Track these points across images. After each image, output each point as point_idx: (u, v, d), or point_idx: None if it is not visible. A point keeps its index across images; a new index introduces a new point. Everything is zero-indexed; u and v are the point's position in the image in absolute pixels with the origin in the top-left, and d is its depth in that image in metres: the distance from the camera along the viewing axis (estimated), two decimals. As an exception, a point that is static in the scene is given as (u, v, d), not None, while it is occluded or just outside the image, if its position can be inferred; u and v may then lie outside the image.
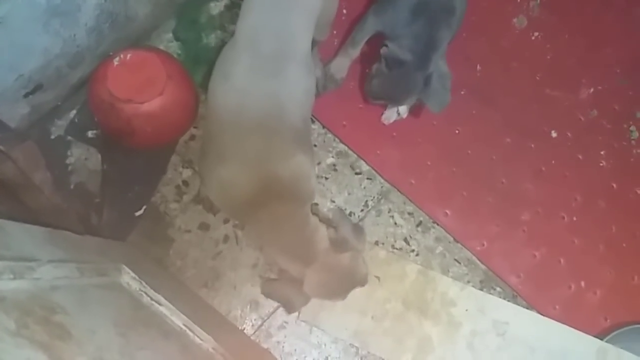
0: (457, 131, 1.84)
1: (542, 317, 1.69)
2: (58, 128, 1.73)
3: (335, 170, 1.79)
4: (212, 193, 1.37)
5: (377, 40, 1.66)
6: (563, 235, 1.78)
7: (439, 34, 1.57)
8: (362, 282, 1.39)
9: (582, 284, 1.74)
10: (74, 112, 1.73)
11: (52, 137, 1.72)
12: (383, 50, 1.60)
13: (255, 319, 1.68)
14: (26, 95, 1.56)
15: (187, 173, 1.74)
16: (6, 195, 1.43)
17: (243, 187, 1.24)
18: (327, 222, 1.39)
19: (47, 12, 1.39)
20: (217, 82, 1.33)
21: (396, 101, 1.71)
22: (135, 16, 1.69)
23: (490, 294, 1.72)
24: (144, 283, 1.18)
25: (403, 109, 1.78)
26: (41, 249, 0.91)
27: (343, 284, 1.36)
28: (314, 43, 1.50)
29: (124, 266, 1.18)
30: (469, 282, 1.74)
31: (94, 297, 0.96)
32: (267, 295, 1.47)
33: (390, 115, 1.79)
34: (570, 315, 1.70)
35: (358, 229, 1.42)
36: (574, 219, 1.80)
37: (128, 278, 1.17)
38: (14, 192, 1.52)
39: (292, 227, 1.28)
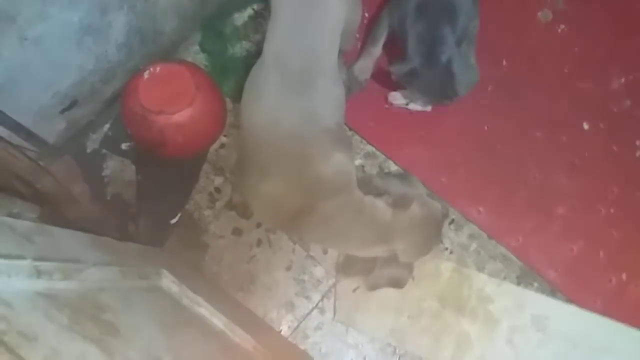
0: (485, 127, 1.82)
1: (583, 311, 1.65)
2: (93, 142, 1.79)
3: (364, 171, 1.80)
4: (260, 211, 1.40)
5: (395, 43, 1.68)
6: (601, 228, 1.74)
7: (441, 32, 1.56)
8: (445, 213, 1.43)
9: (624, 276, 1.70)
10: (108, 125, 1.79)
11: (88, 150, 1.78)
12: (392, 77, 1.63)
13: (291, 321, 1.69)
14: (62, 111, 1.62)
15: (218, 180, 1.77)
16: (47, 208, 1.48)
17: (290, 198, 1.27)
18: (377, 191, 1.39)
19: (80, 31, 1.45)
20: (249, 102, 1.36)
21: (441, 100, 1.69)
22: (163, 31, 1.74)
23: (528, 289, 1.69)
24: (183, 286, 1.21)
25: (415, 106, 1.77)
26: (86, 253, 0.95)
27: (430, 230, 1.39)
28: (340, 52, 1.52)
29: (164, 270, 1.21)
30: (505, 278, 1.71)
31: (137, 298, 0.99)
32: (373, 287, 1.46)
33: (399, 101, 1.77)
34: (613, 308, 1.66)
35: (406, 179, 1.43)
36: (611, 211, 1.75)
37: (168, 281, 1.20)
38: (54, 205, 1.58)
39: (351, 217, 1.30)
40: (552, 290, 1.70)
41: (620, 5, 1.94)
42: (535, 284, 1.71)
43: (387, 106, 1.82)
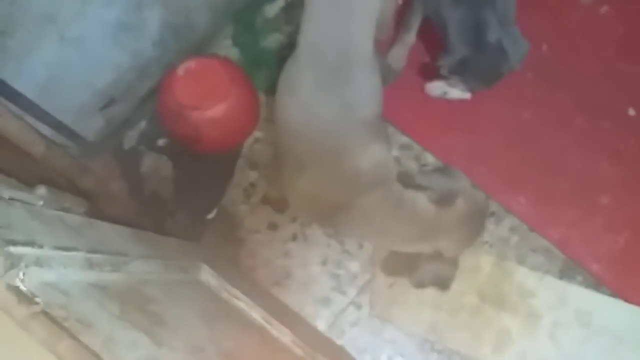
0: (525, 115, 1.77)
1: (629, 305, 1.59)
2: (130, 139, 1.81)
3: (400, 164, 1.77)
4: (298, 206, 1.40)
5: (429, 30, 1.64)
6: (648, 218, 1.67)
7: (483, 16, 1.53)
8: (487, 207, 1.44)
9: (673, 269, 1.63)
10: (144, 122, 1.82)
11: (126, 147, 1.81)
12: (441, 71, 1.61)
13: (327, 316, 1.68)
14: (101, 109, 1.65)
15: (253, 175, 1.78)
16: (87, 204, 1.52)
17: (328, 192, 1.26)
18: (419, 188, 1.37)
19: (116, 28, 1.47)
20: (285, 97, 1.36)
21: (491, 82, 1.66)
22: (196, 26, 1.75)
23: (571, 283, 1.64)
24: (222, 279, 1.22)
25: (453, 94, 1.72)
26: (130, 246, 0.96)
27: (475, 223, 1.38)
28: (375, 42, 1.50)
29: (203, 264, 1.22)
30: (547, 271, 1.66)
31: (179, 291, 1.00)
32: (419, 285, 1.44)
33: (436, 91, 1.73)
34: (662, 302, 1.59)
35: (447, 172, 1.41)
36: (659, 200, 1.68)
37: (207, 275, 1.21)
38: (93, 202, 1.61)
39: (390, 212, 1.28)
40: (597, 284, 1.64)
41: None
42: (579, 278, 1.66)
43: (422, 95, 1.79)
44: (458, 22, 1.54)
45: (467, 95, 1.72)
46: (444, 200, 1.30)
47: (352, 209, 1.24)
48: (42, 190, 0.89)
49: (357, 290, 1.70)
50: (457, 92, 1.72)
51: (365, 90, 1.31)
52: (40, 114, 1.42)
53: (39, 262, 0.59)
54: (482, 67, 1.59)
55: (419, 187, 1.33)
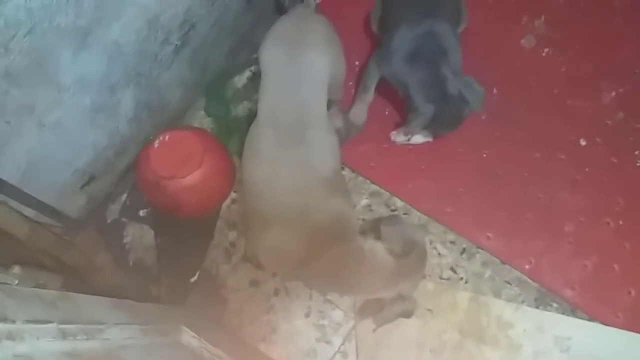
0: (484, 155, 1.88)
1: (605, 327, 1.64)
2: (113, 212, 1.89)
3: (371, 210, 1.85)
4: (266, 261, 1.46)
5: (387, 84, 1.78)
6: (612, 241, 1.74)
7: (441, 72, 1.65)
8: (425, 241, 1.51)
9: (643, 287, 1.68)
10: (125, 195, 1.90)
11: (109, 220, 1.89)
12: (413, 128, 1.75)
13: (315, 367, 1.71)
14: (82, 187, 1.74)
15: (233, 235, 1.85)
16: (72, 277, 1.57)
17: (293, 246, 1.32)
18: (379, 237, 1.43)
19: (92, 111, 1.57)
20: (248, 158, 1.47)
21: (458, 124, 1.76)
22: (169, 101, 1.87)
23: (547, 310, 1.69)
24: (203, 340, 1.26)
25: (417, 139, 1.83)
26: (108, 314, 1.02)
27: (423, 266, 1.45)
28: (331, 102, 1.62)
29: (183, 326, 1.27)
30: (523, 301, 1.71)
31: (159, 354, 1.04)
32: (382, 324, 1.47)
33: (400, 138, 1.82)
34: (636, 321, 1.64)
35: (405, 228, 1.45)
36: (620, 222, 1.76)
37: (188, 337, 1.26)
38: (79, 275, 1.67)
39: (353, 265, 1.33)
40: (572, 309, 1.69)
41: (599, 22, 2.02)
42: (555, 305, 1.71)
43: (385, 145, 1.90)
44: (418, 83, 1.66)
45: (429, 138, 1.83)
46: (404, 252, 1.36)
47: (316, 263, 1.30)
48: (16, 269, 0.95)
49: (342, 338, 1.73)
50: (420, 138, 1.82)
51: (322, 149, 1.41)
52: (23, 197, 1.50)
53: (11, 336, 0.64)
54: (448, 117, 1.70)
55: (377, 237, 1.39)
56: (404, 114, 1.91)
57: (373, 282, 1.33)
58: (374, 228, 1.41)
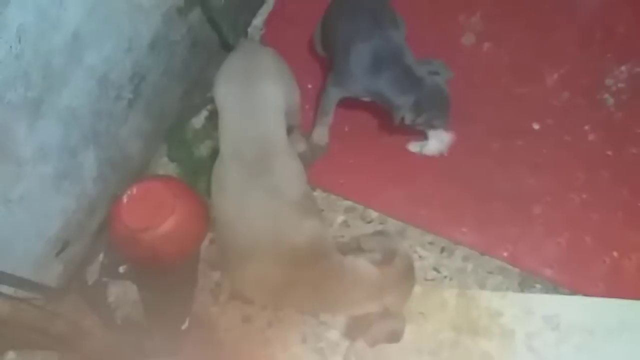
0: (445, 154, 1.93)
1: (589, 298, 1.70)
2: (92, 274, 1.88)
3: (348, 226, 1.88)
4: (251, 294, 1.47)
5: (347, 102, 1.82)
6: (579, 215, 1.81)
7: (404, 64, 1.72)
8: (411, 257, 1.50)
9: (615, 254, 1.75)
10: (102, 255, 1.89)
11: (90, 283, 1.87)
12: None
13: (320, 391, 1.72)
14: (57, 255, 1.72)
15: (216, 275, 1.85)
16: (66, 350, 1.55)
17: (274, 274, 1.34)
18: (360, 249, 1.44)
19: (56, 178, 1.57)
20: (217, 195, 1.49)
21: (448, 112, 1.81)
22: (131, 154, 1.88)
23: (532, 292, 1.75)
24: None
25: (429, 150, 1.89)
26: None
27: (411, 276, 1.45)
28: (290, 127, 1.66)
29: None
30: (507, 288, 1.76)
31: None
32: (373, 344, 1.45)
33: (415, 148, 1.89)
34: (615, 287, 1.70)
35: (385, 237, 1.48)
36: (584, 196, 1.84)
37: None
38: (70, 343, 1.64)
39: (335, 281, 1.35)
40: (554, 287, 1.75)
41: (531, 11, 2.12)
42: (538, 286, 1.76)
43: (351, 161, 1.94)
44: (389, 83, 1.71)
45: (446, 140, 1.87)
46: (385, 260, 1.39)
47: (299, 285, 1.32)
48: (11, 355, 0.94)
49: (342, 357, 1.75)
50: (434, 145, 1.87)
51: (287, 175, 1.44)
52: (-1, 277, 1.48)
53: None
54: (433, 97, 1.74)
55: (358, 252, 1.42)
56: (364, 128, 1.97)
57: (358, 295, 1.35)
58: (354, 247, 1.44)
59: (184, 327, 1.78)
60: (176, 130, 2.04)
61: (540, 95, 2.00)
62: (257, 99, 1.50)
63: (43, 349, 1.18)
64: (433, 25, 2.10)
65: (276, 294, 1.36)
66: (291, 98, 1.61)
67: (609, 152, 1.89)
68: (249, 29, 2.21)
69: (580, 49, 2.04)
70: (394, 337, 1.41)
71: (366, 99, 1.82)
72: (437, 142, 1.88)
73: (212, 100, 1.76)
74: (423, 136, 1.88)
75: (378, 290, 1.35)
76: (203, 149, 2.02)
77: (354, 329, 1.68)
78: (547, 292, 1.75)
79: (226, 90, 1.55)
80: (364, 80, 1.75)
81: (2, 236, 1.47)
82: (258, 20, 2.22)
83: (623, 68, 1.99)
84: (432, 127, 1.82)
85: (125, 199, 1.69)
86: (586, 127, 1.93)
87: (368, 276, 1.35)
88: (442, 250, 1.83)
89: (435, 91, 1.75)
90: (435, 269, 1.82)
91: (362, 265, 1.37)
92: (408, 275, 1.43)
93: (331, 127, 1.94)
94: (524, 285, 1.77)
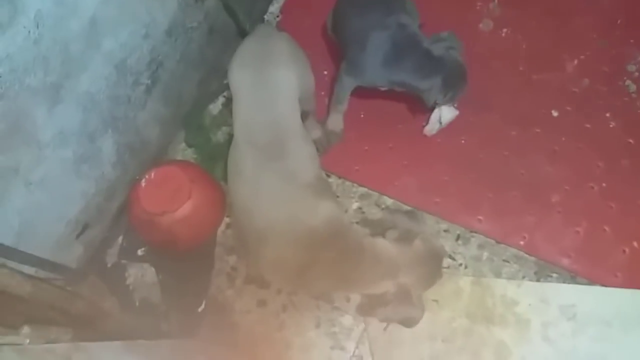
0: (462, 141, 1.92)
1: (606, 288, 1.68)
2: (111, 256, 1.92)
3: (363, 212, 1.89)
4: (270, 276, 1.49)
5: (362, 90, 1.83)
6: (598, 204, 1.79)
7: (423, 48, 1.70)
8: (444, 252, 1.49)
9: (635, 244, 1.73)
10: (121, 237, 1.93)
11: (109, 265, 1.91)
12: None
13: (334, 376, 1.74)
14: (78, 237, 1.76)
15: (232, 259, 1.88)
16: (82, 327, 1.59)
17: (292, 256, 1.36)
18: (383, 226, 1.45)
19: (75, 162, 1.60)
20: (233, 180, 1.51)
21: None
22: (149, 139, 1.90)
23: (548, 282, 1.73)
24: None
25: (445, 117, 1.82)
26: (122, 357, 1.04)
27: (433, 264, 1.44)
28: (305, 113, 1.66)
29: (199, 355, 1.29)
30: (524, 277, 1.75)
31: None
32: (385, 320, 1.49)
33: (433, 127, 1.84)
34: (635, 278, 1.68)
35: (412, 215, 1.49)
36: (604, 185, 1.81)
37: (203, 366, 1.28)
38: (90, 323, 1.68)
39: (353, 260, 1.36)
40: (572, 276, 1.73)
41: (551, -3, 2.08)
42: (554, 275, 1.75)
43: (366, 147, 1.94)
44: (413, 70, 1.70)
45: (454, 112, 1.82)
46: (403, 238, 1.39)
47: (317, 265, 1.33)
48: (26, 329, 0.97)
49: (355, 342, 1.76)
50: (448, 114, 1.81)
51: (301, 158, 1.45)
52: (21, 256, 1.52)
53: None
54: (455, 73, 1.74)
55: (383, 228, 1.42)
56: (380, 115, 1.97)
57: (374, 272, 1.36)
58: (375, 223, 1.45)
59: (200, 309, 1.81)
60: (194, 116, 2.06)
61: (560, 82, 1.97)
62: (270, 83, 1.51)
63: (59, 326, 1.21)
64: (451, 11, 2.08)
65: (295, 276, 1.38)
66: (305, 83, 1.61)
67: (630, 140, 1.86)
68: (266, 16, 2.21)
69: (601, 35, 2.00)
70: (409, 322, 1.41)
71: (383, 88, 1.81)
72: (448, 109, 1.82)
73: (228, 87, 1.78)
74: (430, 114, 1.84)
75: (394, 268, 1.35)
76: (220, 135, 2.04)
77: (368, 308, 1.68)
78: (563, 282, 1.73)
79: (240, 75, 1.56)
80: (385, 72, 1.73)
81: (23, 217, 1.51)
82: (274, 7, 2.22)
83: (646, 54, 1.95)
84: (453, 100, 1.80)
85: (143, 183, 1.72)
86: (607, 115, 1.90)
87: (386, 253, 1.36)
88: (458, 237, 1.83)
89: (456, 67, 1.75)
90: (451, 257, 1.81)
91: (380, 243, 1.38)
92: (429, 262, 1.42)
93: (346, 113, 1.93)
94: (540, 275, 1.75)
